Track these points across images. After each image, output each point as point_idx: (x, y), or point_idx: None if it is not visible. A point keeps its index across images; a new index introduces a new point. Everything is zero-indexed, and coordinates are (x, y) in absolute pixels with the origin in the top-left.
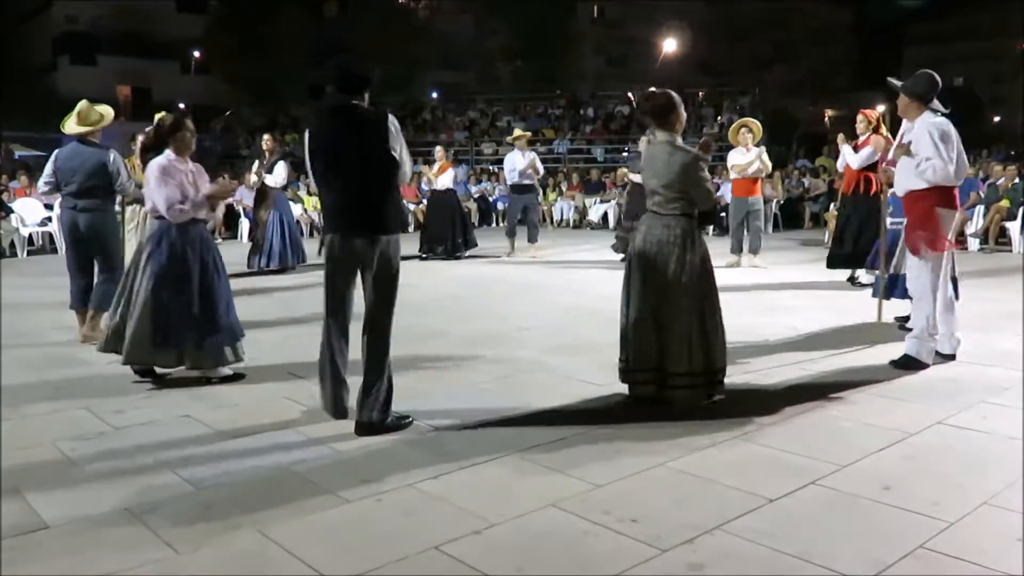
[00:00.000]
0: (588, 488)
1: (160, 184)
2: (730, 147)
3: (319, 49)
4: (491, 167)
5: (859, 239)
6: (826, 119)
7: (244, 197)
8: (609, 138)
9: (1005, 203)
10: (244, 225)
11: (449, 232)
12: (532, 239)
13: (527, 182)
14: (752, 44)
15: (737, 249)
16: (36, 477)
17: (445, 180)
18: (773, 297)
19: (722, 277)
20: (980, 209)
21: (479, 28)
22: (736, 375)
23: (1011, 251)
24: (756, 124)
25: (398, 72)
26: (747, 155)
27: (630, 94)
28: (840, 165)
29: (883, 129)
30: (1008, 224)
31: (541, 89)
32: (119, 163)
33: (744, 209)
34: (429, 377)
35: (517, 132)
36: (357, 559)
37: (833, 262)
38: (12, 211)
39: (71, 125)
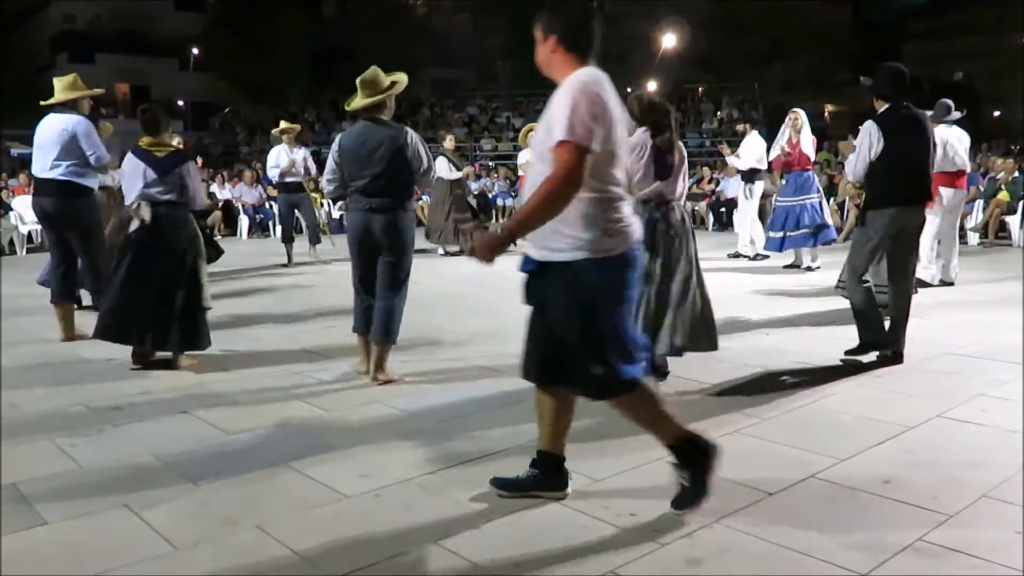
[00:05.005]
0: (587, 482)
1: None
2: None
3: None
4: (491, 163)
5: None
6: (826, 115)
7: (244, 195)
8: None
9: (1005, 197)
10: (244, 222)
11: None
12: (313, 240)
13: (292, 180)
14: (751, 40)
15: None
16: (35, 474)
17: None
18: (769, 289)
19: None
20: (980, 203)
21: (477, 26)
22: (734, 370)
23: (1011, 245)
24: None
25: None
26: None
27: (629, 90)
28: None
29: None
30: (1008, 218)
31: (539, 85)
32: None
33: None
34: (429, 373)
35: (283, 125)
36: (356, 554)
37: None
38: (11, 209)
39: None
